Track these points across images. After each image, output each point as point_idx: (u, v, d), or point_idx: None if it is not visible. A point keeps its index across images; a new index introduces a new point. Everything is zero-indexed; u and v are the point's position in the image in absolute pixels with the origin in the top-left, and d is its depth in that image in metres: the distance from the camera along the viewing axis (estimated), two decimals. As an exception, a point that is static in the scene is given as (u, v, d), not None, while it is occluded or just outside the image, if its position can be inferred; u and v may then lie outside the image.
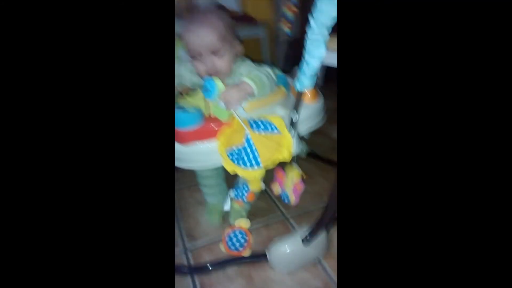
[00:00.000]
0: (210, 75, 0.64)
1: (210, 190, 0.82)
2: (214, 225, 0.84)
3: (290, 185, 0.65)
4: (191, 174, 0.82)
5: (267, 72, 0.64)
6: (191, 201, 0.96)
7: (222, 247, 0.69)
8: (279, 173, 0.66)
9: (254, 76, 0.60)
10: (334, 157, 1.13)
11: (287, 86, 0.76)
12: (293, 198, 0.65)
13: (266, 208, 0.89)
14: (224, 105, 0.56)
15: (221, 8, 0.67)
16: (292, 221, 0.85)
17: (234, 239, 0.67)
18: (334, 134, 1.29)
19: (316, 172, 1.07)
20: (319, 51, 0.43)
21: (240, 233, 0.67)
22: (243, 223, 0.66)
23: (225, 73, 0.66)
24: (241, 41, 0.70)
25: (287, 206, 0.90)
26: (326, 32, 0.42)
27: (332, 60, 0.40)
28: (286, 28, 0.95)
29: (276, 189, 0.68)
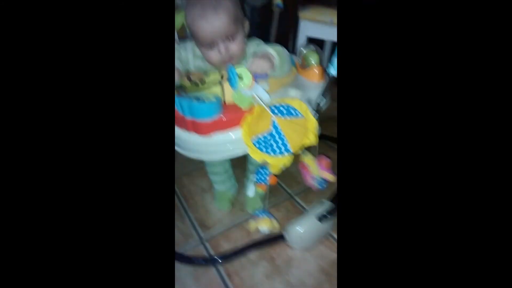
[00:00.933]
0: (225, 62, 0.60)
1: (219, 178, 0.80)
2: (225, 211, 0.83)
3: (317, 168, 0.66)
4: (186, 160, 0.76)
5: (286, 51, 0.61)
6: (194, 188, 0.93)
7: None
8: (303, 165, 0.67)
9: (276, 48, 0.58)
10: (323, 131, 1.16)
11: (293, 63, 0.75)
12: (328, 175, 0.66)
13: (272, 188, 0.90)
14: (260, 92, 0.53)
15: None
16: (297, 198, 0.88)
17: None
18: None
19: (320, 151, 1.09)
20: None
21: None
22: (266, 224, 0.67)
23: (240, 57, 0.62)
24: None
25: (290, 184, 0.92)
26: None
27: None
28: (279, 1, 0.91)
29: (310, 183, 0.68)
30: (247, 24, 0.63)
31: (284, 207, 0.85)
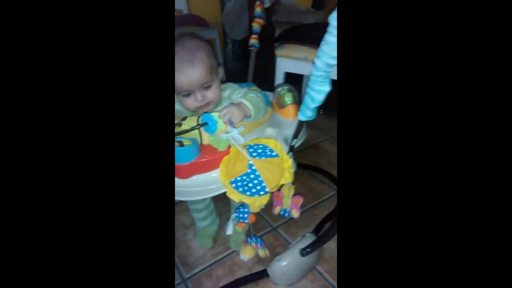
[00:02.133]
0: (202, 108, 0.63)
1: (201, 214, 0.81)
2: (206, 248, 0.83)
3: (289, 202, 0.68)
4: None
5: (263, 96, 0.65)
6: (176, 224, 0.93)
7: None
8: (277, 196, 0.69)
9: (251, 98, 0.61)
10: (304, 160, 1.19)
11: (269, 103, 0.78)
12: (295, 213, 0.69)
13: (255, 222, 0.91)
14: (224, 134, 0.56)
15: (196, 36, 0.65)
16: (280, 230, 0.89)
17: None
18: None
19: (301, 179, 1.11)
20: (324, 87, 0.46)
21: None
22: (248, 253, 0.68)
23: (216, 102, 0.65)
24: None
25: (272, 216, 0.93)
26: (329, 70, 0.45)
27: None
28: (254, 41, 0.96)
29: (277, 210, 0.70)
30: (221, 70, 0.67)
31: (267, 240, 0.86)
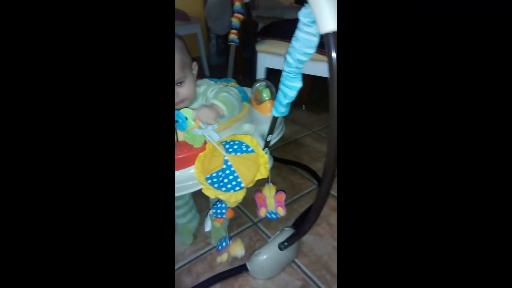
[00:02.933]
0: (177, 105, 0.63)
1: (180, 211, 0.80)
2: (186, 245, 0.83)
3: (273, 201, 0.68)
4: None
5: (236, 93, 0.65)
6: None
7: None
8: (260, 197, 0.69)
9: (223, 97, 0.61)
10: (285, 155, 1.21)
11: (247, 99, 0.78)
12: (281, 211, 0.70)
13: (235, 217, 0.91)
14: (198, 130, 0.56)
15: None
16: (261, 225, 0.90)
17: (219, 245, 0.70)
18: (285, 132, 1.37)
19: (272, 172, 1.12)
20: (296, 83, 0.47)
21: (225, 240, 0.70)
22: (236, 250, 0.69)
23: (190, 98, 0.64)
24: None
25: (253, 211, 0.94)
26: (301, 66, 0.45)
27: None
28: (234, 36, 0.96)
29: (263, 212, 0.71)
30: (195, 66, 0.67)
31: (247, 235, 0.86)
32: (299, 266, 0.77)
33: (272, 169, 1.13)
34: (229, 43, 0.97)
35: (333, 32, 0.38)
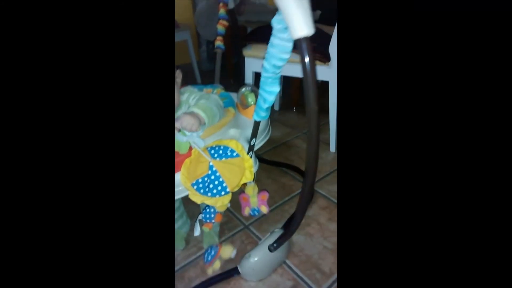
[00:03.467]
0: None
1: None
2: (178, 250, 0.83)
3: (256, 200, 0.70)
4: None
5: (215, 100, 0.66)
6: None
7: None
8: (244, 198, 0.70)
9: (202, 105, 0.62)
10: (276, 157, 1.22)
11: (233, 104, 0.80)
12: (264, 209, 0.71)
13: (226, 220, 0.92)
14: (183, 137, 0.57)
15: None
16: (252, 228, 0.91)
17: (207, 254, 0.70)
18: (275, 135, 1.38)
19: (263, 175, 1.14)
20: (274, 88, 0.48)
21: (212, 249, 0.71)
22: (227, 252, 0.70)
23: (175, 108, 0.65)
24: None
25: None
26: (278, 71, 0.46)
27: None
28: (219, 42, 0.97)
29: (247, 211, 0.72)
30: (179, 74, 0.68)
31: (239, 238, 0.87)
32: (289, 267, 0.78)
33: (263, 171, 1.15)
34: (215, 50, 0.98)
35: (305, 37, 0.40)
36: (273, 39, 0.44)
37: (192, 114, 0.59)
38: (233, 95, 0.84)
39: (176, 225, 0.83)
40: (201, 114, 0.60)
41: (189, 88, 0.70)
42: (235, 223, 0.92)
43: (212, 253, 0.68)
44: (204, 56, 2.38)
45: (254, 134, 0.62)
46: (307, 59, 0.40)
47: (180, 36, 1.82)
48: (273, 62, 0.45)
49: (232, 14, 1.02)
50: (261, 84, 0.49)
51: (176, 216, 0.82)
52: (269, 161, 1.19)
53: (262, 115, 0.55)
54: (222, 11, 0.96)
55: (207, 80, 0.95)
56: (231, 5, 1.00)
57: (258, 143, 0.74)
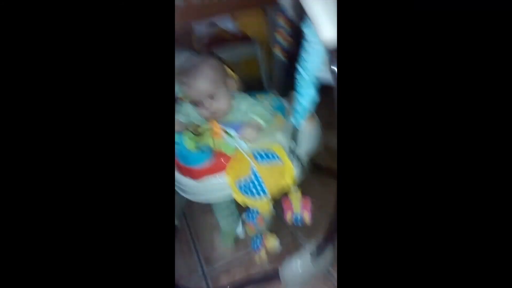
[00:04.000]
0: (211, 117, 0.71)
1: (225, 220, 0.87)
2: (229, 249, 0.88)
3: (299, 207, 0.71)
4: None
5: (267, 106, 0.71)
6: (205, 223, 1.01)
7: None
8: (286, 202, 0.72)
9: (258, 111, 0.67)
10: (333, 166, 1.18)
11: (284, 111, 0.82)
12: (306, 216, 0.71)
13: (273, 222, 0.94)
14: (229, 140, 0.63)
15: (211, 54, 0.75)
16: (299, 233, 0.90)
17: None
18: (331, 143, 1.34)
19: (316, 183, 1.12)
20: (310, 92, 0.50)
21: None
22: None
23: (225, 112, 0.72)
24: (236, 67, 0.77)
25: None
26: (314, 76, 0.48)
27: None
28: (280, 54, 1.01)
29: (289, 218, 0.74)
30: (233, 83, 0.74)
31: (285, 244, 0.88)
32: (333, 277, 0.75)
33: (316, 178, 1.12)
34: (275, 59, 1.02)
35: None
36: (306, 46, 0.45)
37: (253, 126, 0.64)
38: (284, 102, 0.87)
39: (229, 225, 0.87)
40: (261, 122, 0.65)
41: (241, 94, 0.76)
42: (281, 225, 0.93)
43: (258, 242, 0.72)
44: (277, 68, 2.46)
45: (294, 139, 0.64)
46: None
47: (250, 51, 1.94)
48: (309, 67, 0.47)
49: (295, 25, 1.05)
50: (297, 89, 0.51)
51: (227, 213, 0.87)
52: (322, 167, 1.17)
53: (300, 120, 0.57)
54: (282, 22, 1.01)
55: (278, 90, 1.01)
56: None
57: (306, 149, 0.75)
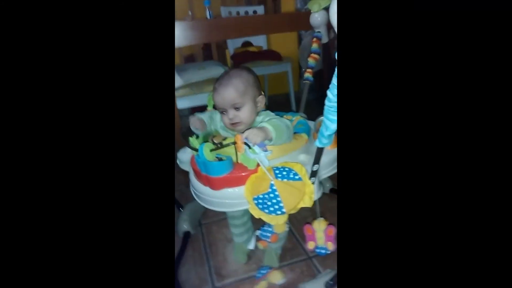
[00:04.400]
0: (233, 125, 0.73)
1: (238, 230, 0.86)
2: (240, 264, 0.87)
3: (322, 235, 0.69)
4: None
5: (286, 122, 0.71)
6: (219, 236, 1.01)
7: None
8: (309, 230, 0.71)
9: (272, 123, 0.67)
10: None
11: (308, 131, 0.82)
12: (330, 245, 0.69)
13: (291, 247, 0.92)
14: (251, 154, 0.63)
15: (245, 69, 0.78)
16: (315, 261, 0.87)
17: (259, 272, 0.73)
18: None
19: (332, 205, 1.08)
20: (336, 116, 0.49)
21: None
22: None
23: (246, 124, 0.74)
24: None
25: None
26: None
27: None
28: (308, 75, 1.02)
29: (311, 246, 0.72)
30: (262, 99, 0.75)
31: (299, 267, 0.85)
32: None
33: (335, 201, 1.09)
34: (304, 81, 1.03)
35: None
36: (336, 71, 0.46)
37: (259, 127, 0.65)
38: (310, 123, 0.87)
39: (242, 239, 0.87)
40: (270, 128, 0.65)
41: (267, 112, 0.77)
42: (298, 252, 0.91)
43: (263, 272, 0.70)
44: (305, 87, 2.49)
45: (317, 160, 0.63)
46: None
47: (281, 68, 1.98)
48: (336, 92, 0.47)
49: (326, 49, 1.06)
50: (324, 112, 0.51)
51: (242, 230, 0.86)
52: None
53: (324, 142, 0.56)
54: (315, 45, 1.02)
55: (306, 108, 1.01)
56: (325, 39, 1.05)
57: (329, 171, 0.74)
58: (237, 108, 0.72)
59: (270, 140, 0.65)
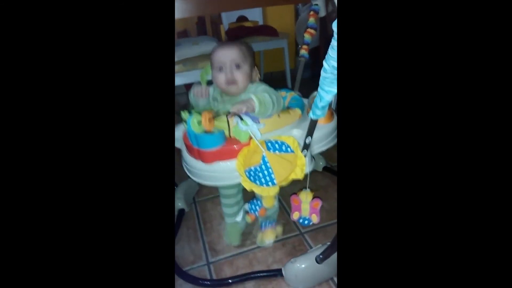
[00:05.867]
0: (228, 84, 0.72)
1: (231, 210, 0.85)
2: (233, 245, 0.86)
3: (308, 207, 0.69)
4: (213, 187, 0.88)
5: (275, 95, 0.70)
6: (214, 213, 1.01)
7: None
8: (295, 200, 0.70)
9: (259, 95, 0.66)
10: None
11: (302, 107, 0.80)
12: (314, 218, 0.69)
13: (283, 223, 0.92)
14: (243, 126, 0.62)
15: (244, 43, 0.80)
16: (307, 236, 0.88)
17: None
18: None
19: (332, 186, 1.09)
20: (331, 88, 0.48)
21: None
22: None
23: (240, 87, 0.73)
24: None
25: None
26: (335, 72, 0.46)
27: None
28: (304, 51, 0.99)
29: (296, 216, 0.72)
30: (256, 73, 0.74)
31: (291, 243, 0.86)
32: (336, 284, 0.72)
33: (331, 183, 1.09)
34: (299, 58, 1.00)
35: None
36: (333, 42, 0.44)
37: (244, 101, 0.64)
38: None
39: (231, 210, 0.85)
40: (255, 100, 0.64)
41: (260, 83, 0.75)
42: (291, 227, 0.91)
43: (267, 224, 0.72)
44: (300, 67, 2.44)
45: (310, 133, 0.62)
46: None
47: (277, 44, 1.92)
48: (332, 64, 0.45)
49: (323, 22, 1.02)
50: (320, 83, 0.49)
51: (235, 210, 0.85)
52: (336, 172, 1.14)
53: (318, 114, 0.55)
54: (312, 19, 0.98)
55: (302, 86, 0.99)
56: (322, 13, 1.01)
57: (321, 146, 0.73)
58: (237, 65, 0.72)
59: (253, 111, 0.64)
